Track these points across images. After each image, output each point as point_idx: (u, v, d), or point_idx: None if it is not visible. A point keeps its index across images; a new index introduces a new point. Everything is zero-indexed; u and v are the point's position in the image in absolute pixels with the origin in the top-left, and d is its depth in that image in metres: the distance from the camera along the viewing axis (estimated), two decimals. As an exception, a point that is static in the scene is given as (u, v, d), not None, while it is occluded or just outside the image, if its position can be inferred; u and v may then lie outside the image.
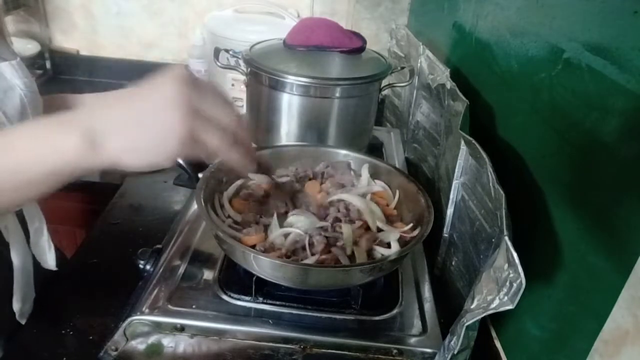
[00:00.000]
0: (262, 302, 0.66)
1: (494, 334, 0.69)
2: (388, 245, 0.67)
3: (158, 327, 0.62)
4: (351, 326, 0.65)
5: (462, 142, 0.71)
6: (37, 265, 0.74)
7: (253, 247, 0.64)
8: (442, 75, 0.85)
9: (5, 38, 0.70)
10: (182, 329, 0.62)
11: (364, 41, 0.98)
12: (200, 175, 0.72)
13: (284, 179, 0.78)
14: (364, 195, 0.74)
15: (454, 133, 0.76)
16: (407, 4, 1.48)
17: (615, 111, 0.48)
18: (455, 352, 0.53)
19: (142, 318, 0.62)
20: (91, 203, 1.27)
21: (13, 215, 0.67)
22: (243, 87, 1.03)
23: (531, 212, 0.62)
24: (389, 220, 0.73)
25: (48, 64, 1.63)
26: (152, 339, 0.62)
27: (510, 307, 0.46)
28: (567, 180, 0.56)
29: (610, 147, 0.48)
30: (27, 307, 0.72)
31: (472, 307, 0.52)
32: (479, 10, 0.87)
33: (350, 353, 0.62)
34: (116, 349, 0.60)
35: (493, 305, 0.48)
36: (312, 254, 0.63)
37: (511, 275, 0.47)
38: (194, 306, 0.64)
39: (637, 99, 0.44)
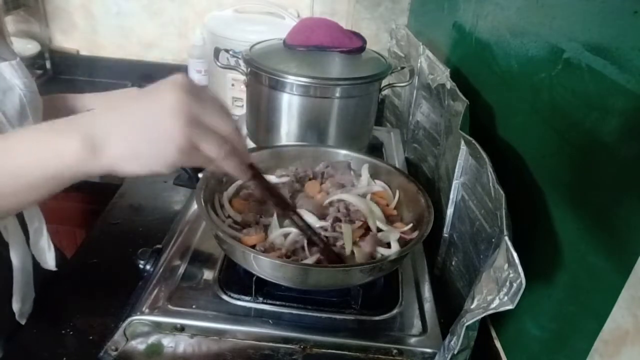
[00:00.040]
0: (262, 302, 0.66)
1: (494, 334, 0.69)
2: (388, 245, 0.67)
3: (158, 327, 0.62)
4: (351, 326, 0.65)
5: (462, 142, 0.71)
6: (36, 265, 0.74)
7: (253, 247, 0.64)
8: (442, 75, 0.85)
9: (5, 38, 0.70)
10: (182, 329, 0.62)
11: (364, 41, 0.98)
12: (200, 175, 0.72)
13: (284, 179, 0.78)
14: (364, 195, 0.74)
15: (454, 133, 0.76)
16: (407, 4, 1.48)
17: (615, 111, 0.48)
18: (455, 352, 0.53)
19: (142, 318, 0.62)
20: (91, 203, 1.28)
21: (13, 216, 0.67)
22: (243, 87, 1.03)
23: (531, 212, 0.62)
24: (389, 220, 0.73)
25: (48, 64, 1.63)
26: (152, 339, 0.62)
27: (510, 307, 0.46)
28: (567, 180, 0.56)
29: (610, 147, 0.48)
30: (26, 307, 0.72)
31: (472, 307, 0.52)
32: (479, 10, 0.87)
33: (350, 353, 0.62)
34: (116, 349, 0.60)
35: (493, 305, 0.48)
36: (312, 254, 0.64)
37: (511, 275, 0.47)
38: (194, 306, 0.64)
39: (637, 99, 0.44)
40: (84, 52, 1.65)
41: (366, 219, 0.70)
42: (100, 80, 1.64)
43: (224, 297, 0.67)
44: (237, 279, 0.69)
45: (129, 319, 0.61)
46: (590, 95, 0.52)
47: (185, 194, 0.98)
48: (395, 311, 0.67)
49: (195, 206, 0.77)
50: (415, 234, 0.67)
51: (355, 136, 0.99)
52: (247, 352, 0.61)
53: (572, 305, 0.53)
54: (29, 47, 1.56)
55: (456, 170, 0.74)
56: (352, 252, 0.65)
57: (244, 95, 1.04)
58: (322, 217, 0.70)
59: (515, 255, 0.47)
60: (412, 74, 1.02)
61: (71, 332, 0.68)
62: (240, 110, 1.26)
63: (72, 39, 1.64)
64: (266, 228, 0.69)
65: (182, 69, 1.50)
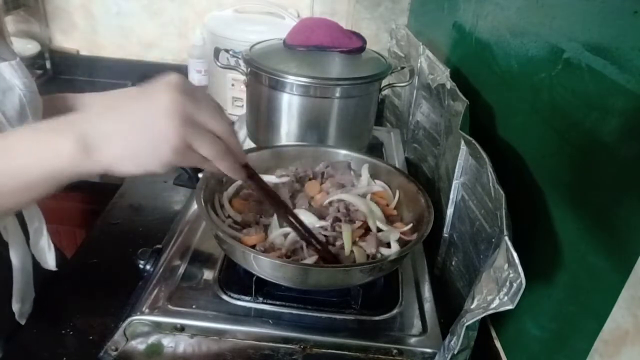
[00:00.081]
0: (262, 302, 0.66)
1: (494, 334, 0.69)
2: (388, 245, 0.67)
3: (158, 327, 0.62)
4: (351, 326, 0.65)
5: (462, 142, 0.71)
6: (36, 265, 0.74)
7: (253, 247, 0.64)
8: (442, 75, 0.85)
9: (5, 38, 0.70)
10: (182, 329, 0.62)
11: (364, 41, 0.98)
12: (200, 175, 0.72)
13: (284, 179, 0.78)
14: (364, 195, 0.74)
15: (454, 133, 0.76)
16: (407, 4, 1.48)
17: (615, 111, 0.48)
18: (455, 352, 0.53)
19: (142, 318, 0.62)
20: (91, 203, 1.28)
21: (12, 216, 0.67)
22: (243, 87, 1.03)
23: (531, 212, 0.62)
24: (389, 220, 0.73)
25: (48, 64, 1.64)
26: (152, 339, 0.62)
27: (510, 307, 0.46)
28: (567, 180, 0.56)
29: (610, 147, 0.48)
30: (26, 307, 0.72)
31: (472, 307, 0.52)
32: (479, 10, 0.87)
33: (350, 353, 0.62)
34: (116, 349, 0.60)
35: (493, 305, 0.48)
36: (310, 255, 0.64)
37: (511, 275, 0.47)
38: (194, 306, 0.64)
39: (637, 99, 0.44)
40: (84, 52, 1.65)
41: (366, 219, 0.70)
42: (100, 80, 1.64)
43: (224, 297, 0.66)
44: (237, 279, 0.69)
45: (129, 319, 0.61)
46: (590, 95, 0.52)
47: (185, 194, 0.98)
48: (395, 311, 0.67)
49: (195, 206, 0.77)
50: (415, 234, 0.67)
51: (355, 136, 0.99)
52: (247, 352, 0.61)
53: (572, 305, 0.53)
54: (29, 47, 1.56)
55: (456, 170, 0.74)
56: (352, 252, 0.65)
57: (244, 95, 1.04)
58: (322, 217, 0.70)
59: (515, 255, 0.47)
60: (412, 74, 1.02)
61: (71, 332, 0.68)
62: (240, 110, 1.27)
63: (72, 39, 1.64)
64: (266, 228, 0.69)
65: (182, 69, 1.50)
